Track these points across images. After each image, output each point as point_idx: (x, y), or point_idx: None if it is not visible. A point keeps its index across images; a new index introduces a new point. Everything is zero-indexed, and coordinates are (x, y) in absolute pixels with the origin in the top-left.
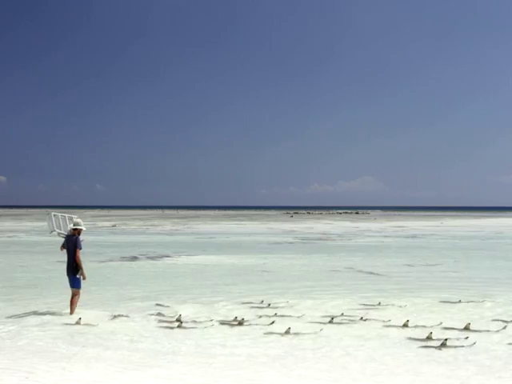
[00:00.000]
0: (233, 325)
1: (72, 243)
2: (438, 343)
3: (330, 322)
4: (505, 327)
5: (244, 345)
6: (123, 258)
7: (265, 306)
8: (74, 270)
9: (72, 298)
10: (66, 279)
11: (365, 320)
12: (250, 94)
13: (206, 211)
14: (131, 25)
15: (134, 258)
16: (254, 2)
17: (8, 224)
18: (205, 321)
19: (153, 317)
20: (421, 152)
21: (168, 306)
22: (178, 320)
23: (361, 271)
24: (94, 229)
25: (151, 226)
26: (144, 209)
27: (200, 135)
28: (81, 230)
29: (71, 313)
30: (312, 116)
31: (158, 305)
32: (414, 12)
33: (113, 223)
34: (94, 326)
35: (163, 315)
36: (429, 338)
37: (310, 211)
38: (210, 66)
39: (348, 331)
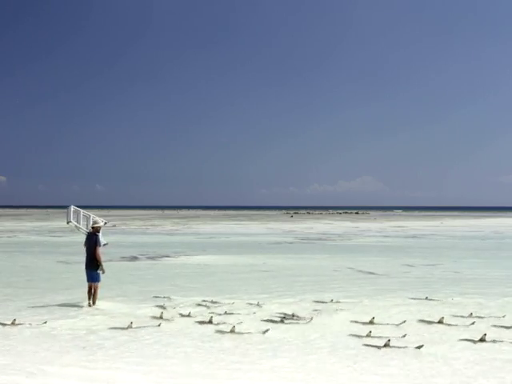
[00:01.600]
0: (203, 322)
1: (93, 241)
2: (382, 342)
3: (282, 321)
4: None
5: (177, 342)
6: (123, 258)
7: (255, 304)
8: (94, 265)
9: (89, 290)
10: (66, 278)
11: (310, 319)
12: (250, 94)
13: (206, 211)
14: (131, 25)
15: (134, 258)
16: (254, 2)
17: (8, 224)
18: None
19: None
20: (421, 152)
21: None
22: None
23: (360, 271)
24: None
25: (151, 226)
26: (144, 209)
27: (200, 135)
28: (99, 227)
29: (93, 303)
30: (312, 116)
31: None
32: (414, 12)
33: (113, 223)
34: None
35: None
36: (368, 336)
37: (310, 211)
38: (210, 66)
39: (292, 330)
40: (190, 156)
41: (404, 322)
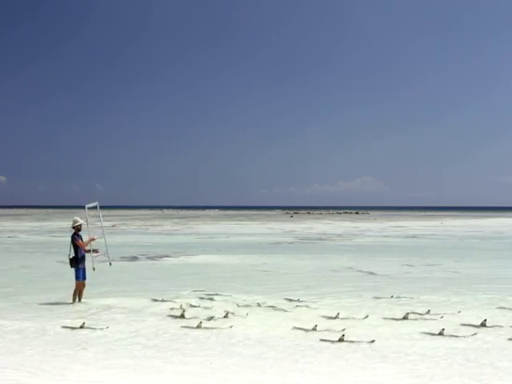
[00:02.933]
0: (175, 316)
1: (71, 239)
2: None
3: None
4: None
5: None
6: (123, 258)
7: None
8: (72, 264)
9: (76, 288)
10: (66, 278)
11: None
12: (250, 94)
13: (206, 211)
14: (131, 25)
15: (134, 258)
16: (254, 1)
17: (8, 224)
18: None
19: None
20: (421, 152)
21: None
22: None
23: (360, 271)
24: (94, 229)
25: (151, 226)
26: (144, 209)
27: (200, 135)
28: (80, 225)
29: (79, 300)
30: (312, 116)
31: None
32: (414, 12)
33: (113, 223)
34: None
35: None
36: (314, 330)
37: (310, 211)
38: (210, 66)
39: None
40: (190, 156)
41: (366, 316)
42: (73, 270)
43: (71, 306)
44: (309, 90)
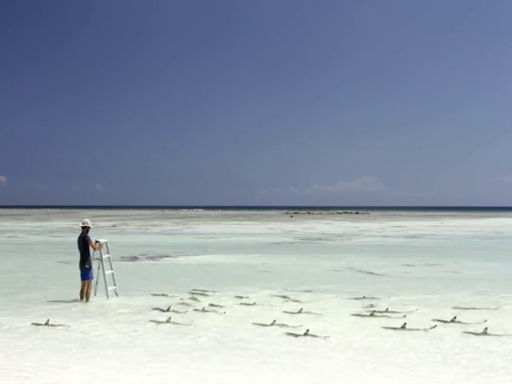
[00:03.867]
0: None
1: (81, 239)
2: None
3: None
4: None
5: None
6: (123, 258)
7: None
8: (83, 264)
9: (82, 288)
10: (67, 278)
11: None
12: (250, 94)
13: (206, 211)
14: (131, 25)
15: (134, 258)
16: (254, 1)
17: (8, 224)
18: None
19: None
20: (421, 152)
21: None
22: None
23: (360, 271)
24: (94, 229)
25: (151, 226)
26: (144, 209)
27: (200, 135)
28: (88, 227)
29: (86, 300)
30: (312, 116)
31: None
32: (415, 12)
33: (113, 223)
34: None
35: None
36: (272, 324)
37: (310, 211)
38: (210, 66)
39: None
40: (190, 156)
41: (328, 311)
42: (78, 269)
43: (78, 304)
44: (309, 89)
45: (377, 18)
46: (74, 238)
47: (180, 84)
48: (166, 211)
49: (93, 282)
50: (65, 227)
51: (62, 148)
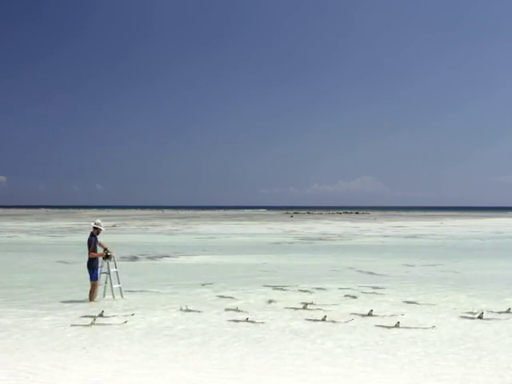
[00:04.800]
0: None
1: (87, 240)
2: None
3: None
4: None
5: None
6: (123, 258)
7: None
8: (88, 264)
9: (93, 288)
10: (67, 278)
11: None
12: (250, 94)
13: (206, 211)
14: (132, 25)
15: (134, 258)
16: (254, 1)
17: (8, 224)
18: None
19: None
20: (421, 152)
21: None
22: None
23: (360, 271)
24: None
25: (151, 226)
26: (144, 209)
27: (200, 135)
28: (100, 229)
29: (90, 300)
30: (312, 116)
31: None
32: (414, 12)
33: (113, 223)
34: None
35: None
36: (247, 320)
37: (310, 211)
38: (210, 66)
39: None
40: (190, 156)
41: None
42: (85, 270)
43: (85, 304)
44: (309, 89)
45: (376, 18)
46: (74, 238)
47: (180, 84)
48: (166, 211)
49: (98, 282)
50: (65, 227)
51: (61, 148)
